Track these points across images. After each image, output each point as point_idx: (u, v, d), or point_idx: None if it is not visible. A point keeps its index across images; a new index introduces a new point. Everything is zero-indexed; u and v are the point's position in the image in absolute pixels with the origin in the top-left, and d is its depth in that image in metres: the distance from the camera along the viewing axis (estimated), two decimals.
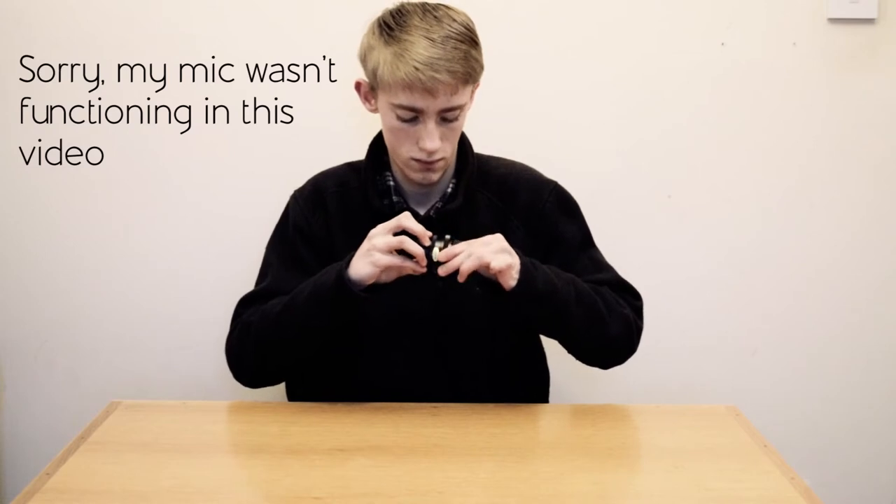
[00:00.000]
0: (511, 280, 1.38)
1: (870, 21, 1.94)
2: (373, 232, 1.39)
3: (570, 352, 1.53)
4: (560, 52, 1.97)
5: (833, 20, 1.95)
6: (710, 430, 1.43)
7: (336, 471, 1.25)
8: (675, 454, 1.33)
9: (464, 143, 1.55)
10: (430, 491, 1.20)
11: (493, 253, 1.37)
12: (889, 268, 2.04)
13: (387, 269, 1.37)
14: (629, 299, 1.57)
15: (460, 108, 1.44)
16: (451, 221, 1.49)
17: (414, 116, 1.43)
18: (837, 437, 2.08)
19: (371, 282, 1.38)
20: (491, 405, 1.47)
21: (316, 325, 1.44)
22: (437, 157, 1.45)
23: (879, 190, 2.02)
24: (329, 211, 1.55)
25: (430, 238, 1.37)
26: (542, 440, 1.38)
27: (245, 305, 1.54)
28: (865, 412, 2.08)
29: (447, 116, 1.43)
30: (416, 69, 1.38)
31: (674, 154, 2.00)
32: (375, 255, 1.36)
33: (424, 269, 1.37)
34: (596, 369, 1.60)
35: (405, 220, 1.37)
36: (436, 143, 1.43)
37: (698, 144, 2.00)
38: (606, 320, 1.48)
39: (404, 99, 1.41)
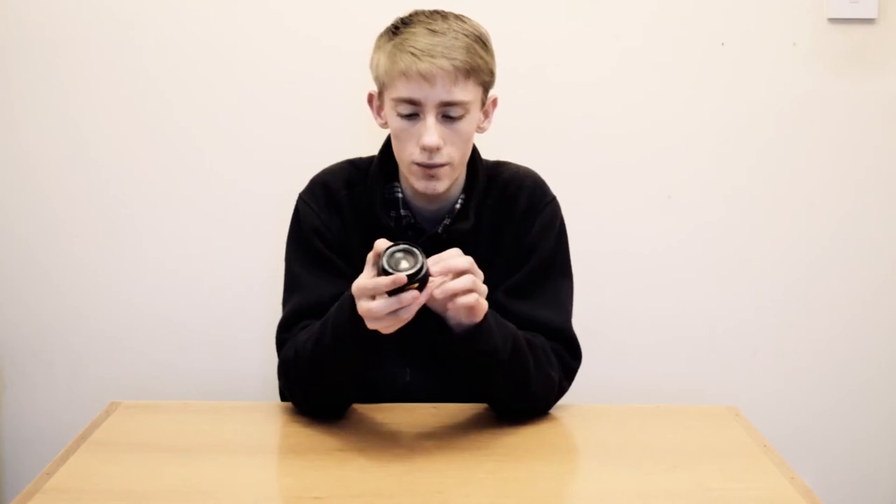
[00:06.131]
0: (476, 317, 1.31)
1: (870, 21, 1.94)
2: (370, 310, 1.24)
3: (484, 400, 1.46)
4: (559, 52, 1.97)
5: (833, 20, 1.95)
6: (710, 430, 1.43)
7: (336, 471, 1.25)
8: (675, 454, 1.33)
9: (474, 158, 1.51)
10: (430, 491, 1.20)
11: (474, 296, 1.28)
12: (889, 268, 2.04)
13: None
14: (565, 357, 1.47)
15: (462, 105, 1.39)
16: (461, 241, 1.41)
17: (414, 112, 1.40)
18: (837, 437, 2.08)
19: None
20: None
21: (351, 366, 1.37)
22: (438, 159, 1.40)
23: (879, 190, 2.02)
24: (343, 212, 1.50)
25: (385, 262, 1.21)
26: (541, 440, 1.37)
27: (285, 330, 1.46)
28: (865, 412, 2.08)
29: (449, 113, 1.40)
30: (413, 54, 1.36)
31: (674, 154, 2.00)
32: (392, 323, 1.24)
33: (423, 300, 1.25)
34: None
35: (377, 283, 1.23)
36: (434, 138, 1.38)
37: (698, 144, 2.00)
38: (531, 380, 1.40)
39: (403, 90, 1.38)
